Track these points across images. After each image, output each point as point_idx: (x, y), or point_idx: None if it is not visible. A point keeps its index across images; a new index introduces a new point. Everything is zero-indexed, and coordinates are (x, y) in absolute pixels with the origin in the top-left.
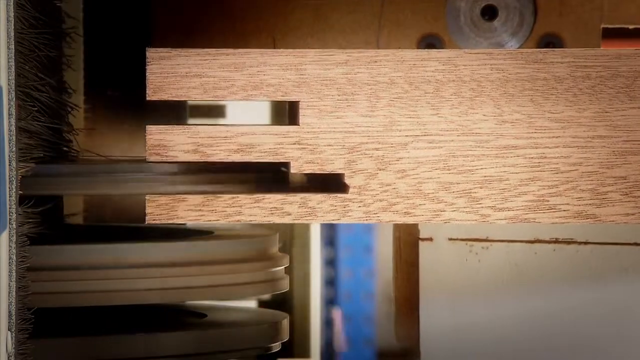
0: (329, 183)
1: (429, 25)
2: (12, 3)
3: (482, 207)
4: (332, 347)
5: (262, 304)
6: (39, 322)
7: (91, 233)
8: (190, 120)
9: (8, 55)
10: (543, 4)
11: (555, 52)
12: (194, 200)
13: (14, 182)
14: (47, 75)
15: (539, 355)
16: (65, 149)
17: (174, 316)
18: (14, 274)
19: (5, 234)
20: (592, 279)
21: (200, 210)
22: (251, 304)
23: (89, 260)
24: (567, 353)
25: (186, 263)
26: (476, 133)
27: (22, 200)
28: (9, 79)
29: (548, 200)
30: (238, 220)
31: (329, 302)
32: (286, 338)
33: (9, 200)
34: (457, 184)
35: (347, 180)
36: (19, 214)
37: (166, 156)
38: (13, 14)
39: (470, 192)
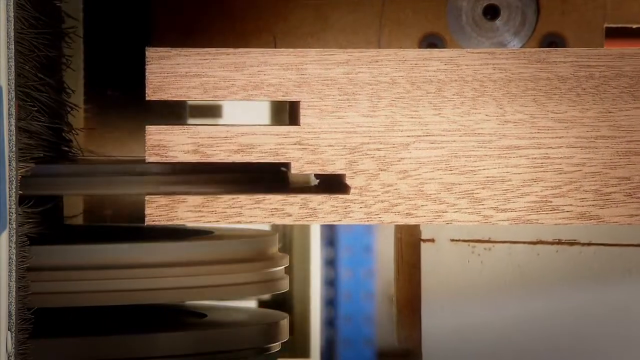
0: (334, 183)
1: (431, 25)
2: (12, 3)
3: (484, 208)
4: (332, 347)
5: (262, 304)
6: (39, 322)
7: (91, 233)
8: (190, 120)
9: (8, 55)
10: (545, 3)
11: (558, 52)
12: (194, 201)
13: (14, 182)
14: (47, 75)
15: (541, 356)
16: (65, 149)
17: (174, 316)
18: (14, 274)
19: (5, 234)
20: (595, 280)
21: (200, 211)
22: (251, 304)
23: (89, 260)
24: (569, 354)
25: (186, 263)
26: (478, 133)
27: (22, 200)
28: (9, 79)
29: (551, 201)
30: (238, 222)
31: (329, 302)
32: (286, 338)
33: (9, 200)
34: (460, 184)
35: (348, 181)
36: (19, 214)
37: (166, 156)
38: (13, 14)
39: (472, 193)
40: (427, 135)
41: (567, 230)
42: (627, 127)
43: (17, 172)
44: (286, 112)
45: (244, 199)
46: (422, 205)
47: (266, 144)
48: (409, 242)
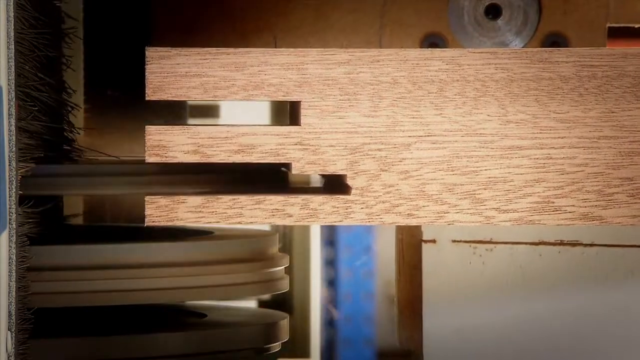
0: (338, 184)
1: (432, 25)
2: (12, 3)
3: (486, 208)
4: (332, 347)
5: (262, 304)
6: (39, 322)
7: (91, 233)
8: (190, 120)
9: (8, 55)
10: (547, 2)
11: (560, 52)
12: (194, 201)
13: (14, 182)
14: (47, 75)
15: (543, 357)
16: (65, 148)
17: (174, 316)
18: (14, 274)
19: (5, 234)
20: (597, 281)
21: (200, 212)
22: (251, 304)
23: (89, 260)
24: (571, 355)
25: (186, 263)
26: (480, 133)
27: (22, 200)
28: (9, 79)
29: (553, 202)
30: (239, 222)
31: (329, 301)
32: (286, 338)
33: (9, 200)
34: (461, 185)
35: (349, 182)
36: (19, 214)
37: (166, 157)
38: (13, 14)
39: (474, 194)
40: (428, 136)
41: (569, 231)
42: (630, 127)
43: (17, 172)
44: (287, 113)
45: (244, 199)
46: (423, 206)
47: (267, 144)
48: (410, 243)
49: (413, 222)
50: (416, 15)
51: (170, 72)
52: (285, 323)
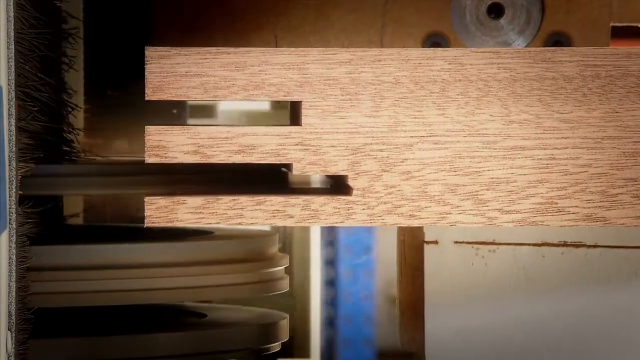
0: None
1: (434, 24)
2: (12, 3)
3: (489, 209)
4: (332, 347)
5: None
6: (39, 322)
7: (91, 233)
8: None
9: (8, 55)
10: (550, 1)
11: (564, 51)
12: (194, 202)
13: (14, 182)
14: (47, 75)
15: (546, 359)
16: (65, 149)
17: (174, 316)
18: (14, 274)
19: (5, 234)
20: (601, 282)
21: (200, 212)
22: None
23: (89, 260)
24: (574, 357)
25: (186, 263)
26: (483, 134)
27: (22, 201)
28: (9, 79)
29: (557, 203)
30: (239, 223)
31: (329, 302)
32: (286, 338)
33: (9, 200)
34: (464, 185)
35: (350, 182)
36: (19, 214)
37: (165, 157)
38: (13, 14)
39: (477, 195)
40: (430, 136)
41: (572, 232)
42: (634, 128)
43: (17, 172)
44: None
45: (244, 200)
46: (425, 207)
47: (267, 144)
48: (412, 244)
49: (415, 223)
50: (418, 14)
51: (170, 72)
52: (285, 323)
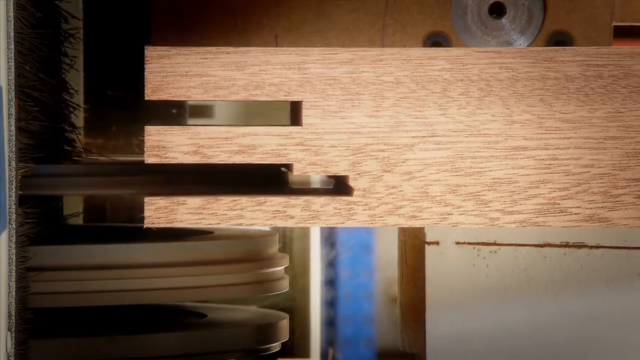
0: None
1: (435, 23)
2: (12, 3)
3: (490, 210)
4: (332, 347)
5: (262, 304)
6: (39, 322)
7: (91, 233)
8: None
9: (8, 55)
10: (552, 0)
11: (566, 51)
12: (194, 203)
13: (14, 182)
14: (47, 75)
15: None
16: (65, 149)
17: (174, 316)
18: (14, 274)
19: (5, 234)
20: (603, 283)
21: (200, 213)
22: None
23: (89, 260)
24: (576, 359)
25: (185, 263)
26: (485, 134)
27: (22, 201)
28: (9, 79)
29: (559, 203)
30: (239, 224)
31: (329, 302)
32: (286, 338)
33: (9, 200)
34: (465, 186)
35: (351, 183)
36: (19, 214)
37: (165, 157)
38: (13, 14)
39: (478, 195)
40: (432, 136)
41: (574, 233)
42: (637, 128)
43: (17, 172)
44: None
45: (245, 200)
46: (427, 208)
47: (268, 144)
48: (413, 245)
49: (416, 224)
50: (419, 13)
51: (170, 72)
52: (285, 323)
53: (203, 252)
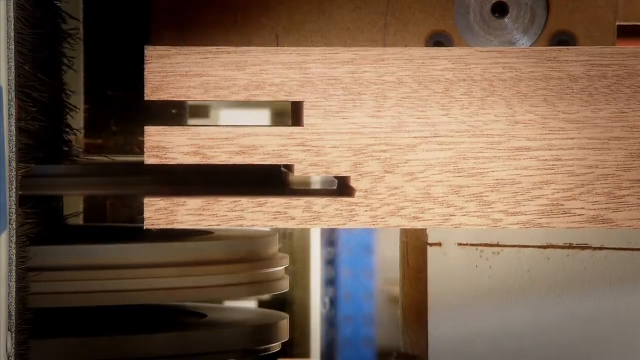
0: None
1: (437, 23)
2: (12, 3)
3: (493, 211)
4: (332, 347)
5: (263, 304)
6: (39, 322)
7: (91, 233)
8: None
9: (8, 55)
10: (555, 0)
11: (569, 51)
12: (194, 204)
13: (14, 182)
14: (47, 76)
15: None
16: (65, 149)
17: (173, 316)
18: (14, 274)
19: (5, 234)
20: (606, 284)
21: (200, 214)
22: (251, 304)
23: (89, 260)
24: None
25: (185, 263)
26: (487, 134)
27: (22, 201)
28: (9, 79)
29: (562, 204)
30: (240, 225)
31: (329, 302)
32: (286, 338)
33: (9, 200)
34: (468, 187)
35: (353, 183)
36: (19, 214)
37: (165, 158)
38: (13, 14)
39: (481, 196)
40: (434, 136)
41: (578, 234)
42: None
43: (17, 172)
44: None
45: (245, 201)
46: (429, 209)
47: (268, 145)
48: (415, 246)
49: (418, 225)
50: (421, 13)
51: (170, 72)
52: (285, 323)
53: (203, 252)
